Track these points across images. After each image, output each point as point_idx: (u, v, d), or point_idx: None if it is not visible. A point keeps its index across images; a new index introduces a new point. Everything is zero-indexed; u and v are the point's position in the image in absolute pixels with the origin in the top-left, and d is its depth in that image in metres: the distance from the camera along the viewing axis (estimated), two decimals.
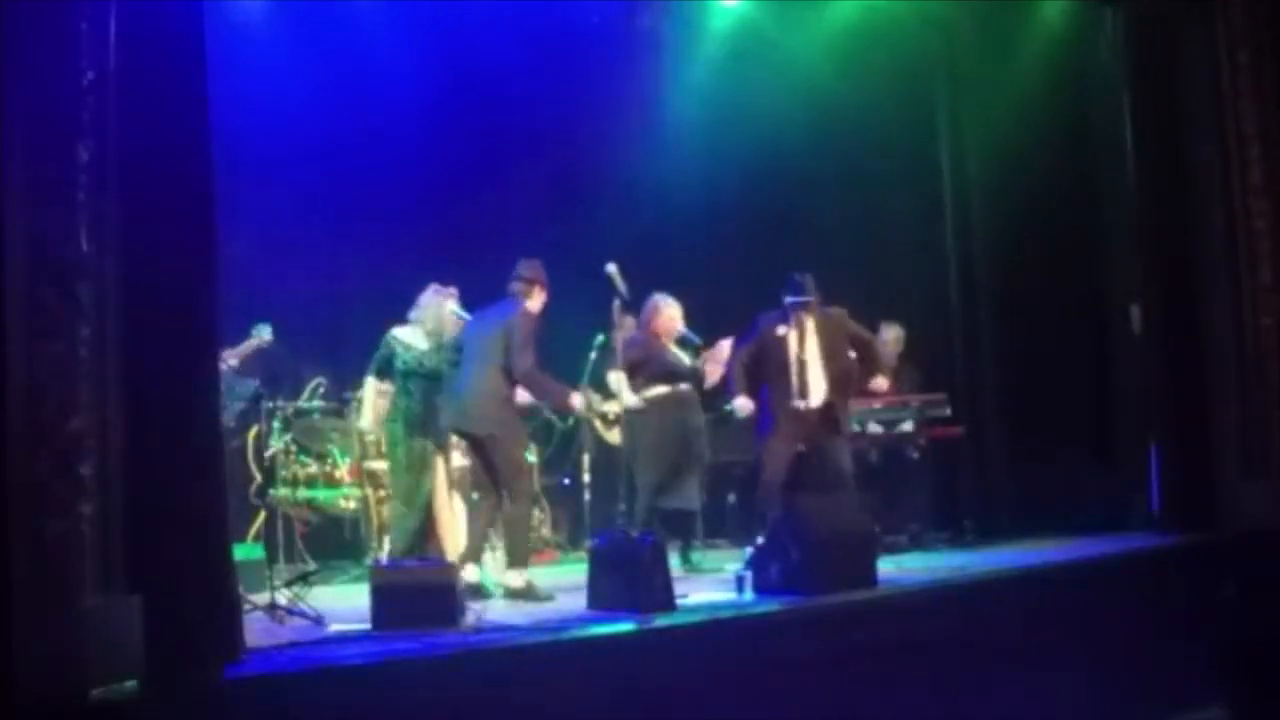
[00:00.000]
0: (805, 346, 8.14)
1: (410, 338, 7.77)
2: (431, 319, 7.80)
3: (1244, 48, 8.98)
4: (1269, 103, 8.93)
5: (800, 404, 8.05)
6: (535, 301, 7.57)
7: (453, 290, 7.95)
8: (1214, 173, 9.12)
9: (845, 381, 8.27)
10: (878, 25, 10.16)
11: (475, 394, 7.43)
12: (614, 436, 9.29)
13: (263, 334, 8.58)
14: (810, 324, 8.17)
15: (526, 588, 7.14)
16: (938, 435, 9.50)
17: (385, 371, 7.80)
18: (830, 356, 8.16)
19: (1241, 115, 8.97)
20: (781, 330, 8.17)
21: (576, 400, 7.75)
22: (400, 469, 7.71)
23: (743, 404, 8.18)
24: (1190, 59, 9.28)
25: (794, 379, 8.08)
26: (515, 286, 7.56)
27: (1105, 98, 9.93)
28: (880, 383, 8.55)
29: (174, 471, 4.92)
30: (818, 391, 8.09)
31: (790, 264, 9.89)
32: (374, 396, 7.98)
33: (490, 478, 7.45)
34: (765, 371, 8.21)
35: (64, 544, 4.40)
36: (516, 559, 7.26)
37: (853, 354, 8.38)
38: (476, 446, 7.60)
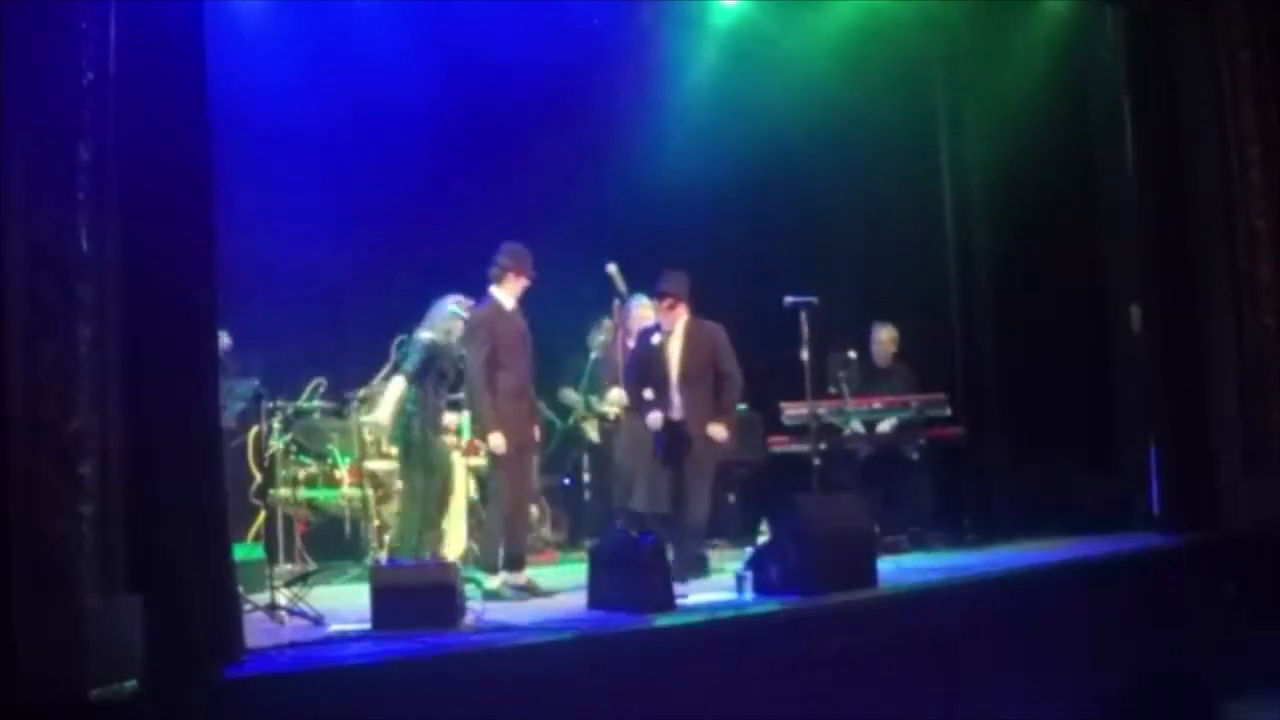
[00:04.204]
0: (669, 356, 7.87)
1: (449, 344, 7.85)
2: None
3: (1244, 48, 8.99)
4: (1269, 103, 8.94)
5: (662, 415, 7.82)
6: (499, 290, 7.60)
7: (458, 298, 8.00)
8: (1214, 172, 9.13)
9: (702, 396, 7.83)
10: (878, 25, 10.16)
11: None
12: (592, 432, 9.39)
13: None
14: (679, 332, 7.88)
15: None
16: (938, 435, 9.51)
17: (421, 377, 7.78)
18: (685, 368, 7.83)
19: (1241, 115, 8.98)
20: (656, 338, 7.95)
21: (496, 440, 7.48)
22: (418, 470, 7.75)
23: (653, 419, 7.89)
24: (1190, 59, 9.29)
25: (661, 389, 7.84)
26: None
27: (1105, 98, 9.94)
28: (716, 430, 7.76)
29: (174, 471, 4.92)
30: (675, 405, 7.83)
31: (791, 263, 9.95)
32: (397, 395, 7.97)
33: None
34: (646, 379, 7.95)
35: (64, 544, 4.39)
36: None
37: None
38: None
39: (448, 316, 7.86)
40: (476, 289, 7.86)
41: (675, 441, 7.84)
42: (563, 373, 9.57)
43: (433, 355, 7.76)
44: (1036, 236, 10.24)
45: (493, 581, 7.20)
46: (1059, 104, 10.20)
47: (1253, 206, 8.96)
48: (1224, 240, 9.08)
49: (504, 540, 7.42)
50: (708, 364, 7.85)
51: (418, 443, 7.77)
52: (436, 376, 7.77)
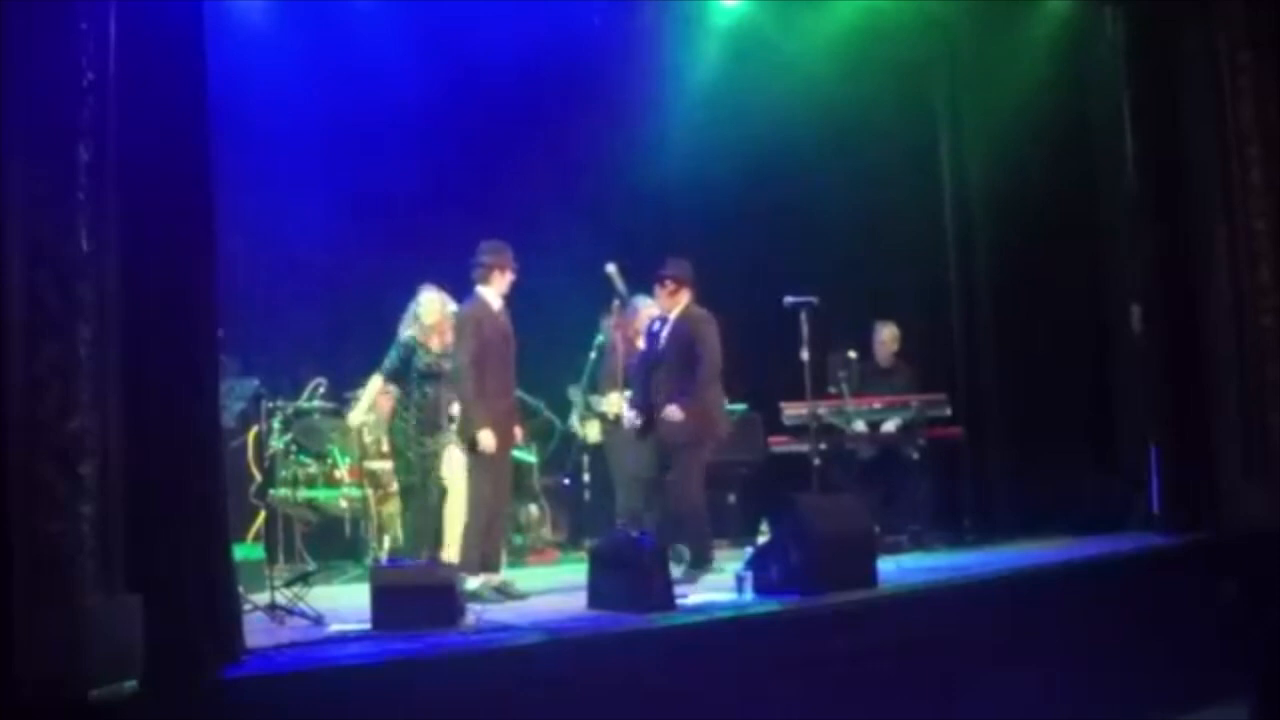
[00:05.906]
0: (661, 340, 7.92)
1: (425, 340, 7.82)
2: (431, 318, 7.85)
3: (1244, 48, 8.99)
4: (1269, 103, 8.94)
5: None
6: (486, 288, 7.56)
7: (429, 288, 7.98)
8: (1214, 172, 9.12)
9: (675, 380, 7.80)
10: (878, 25, 10.15)
11: None
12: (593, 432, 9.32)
13: None
14: (673, 318, 7.91)
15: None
16: (937, 435, 9.51)
17: (401, 375, 7.77)
18: (666, 349, 7.85)
19: (1241, 115, 8.97)
20: (656, 325, 8.02)
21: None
22: (410, 469, 7.73)
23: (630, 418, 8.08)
24: (1190, 59, 9.28)
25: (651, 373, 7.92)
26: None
27: (1105, 98, 9.93)
28: (670, 412, 7.71)
29: (174, 472, 4.93)
30: (652, 388, 7.88)
31: (791, 264, 9.94)
32: (375, 395, 7.99)
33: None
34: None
35: (64, 543, 4.40)
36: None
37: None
38: None
39: (432, 312, 7.86)
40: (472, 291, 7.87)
41: (647, 424, 7.91)
42: (569, 371, 9.56)
43: (411, 351, 7.74)
44: (1037, 236, 10.23)
45: (473, 582, 7.17)
46: (1059, 104, 10.19)
47: (1253, 206, 8.95)
48: (1224, 240, 9.08)
49: (483, 542, 7.37)
50: (686, 344, 7.83)
51: (401, 446, 7.75)
52: (419, 375, 7.74)
